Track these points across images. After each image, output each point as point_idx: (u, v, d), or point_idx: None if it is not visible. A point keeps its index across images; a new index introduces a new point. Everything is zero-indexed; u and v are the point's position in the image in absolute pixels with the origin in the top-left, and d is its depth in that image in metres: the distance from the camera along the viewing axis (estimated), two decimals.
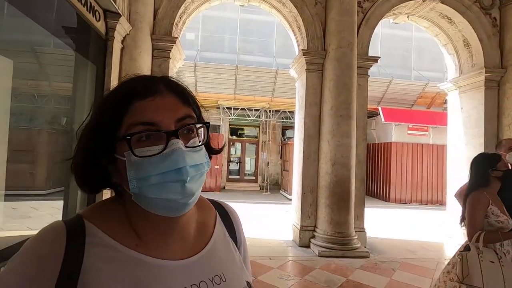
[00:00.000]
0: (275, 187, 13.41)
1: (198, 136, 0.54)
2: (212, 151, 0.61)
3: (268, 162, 12.97)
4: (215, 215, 0.66)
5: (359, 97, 4.76)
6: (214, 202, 0.70)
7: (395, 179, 11.25)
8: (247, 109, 12.59)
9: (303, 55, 4.78)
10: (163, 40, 4.40)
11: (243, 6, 5.74)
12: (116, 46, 3.85)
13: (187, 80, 10.56)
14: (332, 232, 4.36)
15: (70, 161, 0.53)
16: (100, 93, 3.69)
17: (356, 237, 4.46)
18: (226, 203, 0.72)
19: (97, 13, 3.44)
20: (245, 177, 14.24)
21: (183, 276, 0.52)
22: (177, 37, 4.56)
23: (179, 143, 0.48)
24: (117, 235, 0.51)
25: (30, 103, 4.01)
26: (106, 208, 0.55)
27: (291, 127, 14.20)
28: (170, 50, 4.46)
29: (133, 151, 0.47)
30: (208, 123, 0.56)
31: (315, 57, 4.78)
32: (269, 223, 6.51)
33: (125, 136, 0.47)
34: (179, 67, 5.31)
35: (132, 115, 0.48)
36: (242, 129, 14.55)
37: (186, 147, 0.49)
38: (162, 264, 0.51)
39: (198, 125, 0.54)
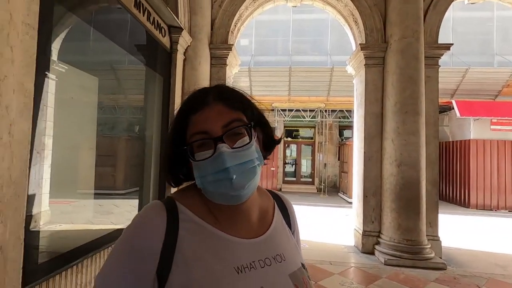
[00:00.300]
0: (333, 189, 12.92)
1: (251, 134, 0.61)
2: (272, 144, 0.70)
3: (325, 164, 12.57)
4: (273, 204, 0.75)
5: (428, 90, 4.30)
6: (272, 193, 0.79)
7: (476, 182, 9.81)
8: (302, 110, 12.42)
9: (361, 50, 4.52)
10: (220, 48, 4.63)
11: (295, 6, 5.70)
12: (179, 57, 4.18)
13: (242, 85, 10.91)
14: (400, 239, 3.99)
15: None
16: (166, 102, 4.05)
17: (429, 246, 4.00)
18: (282, 194, 0.81)
19: (162, 29, 3.80)
20: (302, 179, 14.05)
21: (252, 252, 0.61)
22: (232, 44, 4.74)
23: (223, 147, 0.57)
24: (200, 214, 0.62)
25: (110, 114, 4.62)
26: (188, 193, 0.66)
27: (349, 127, 13.54)
28: (227, 57, 4.66)
29: (194, 156, 0.59)
30: (250, 125, 0.62)
31: (374, 50, 4.47)
32: (328, 227, 6.28)
33: (185, 145, 0.60)
34: (235, 72, 5.52)
35: (191, 127, 0.61)
36: (297, 130, 14.41)
37: (233, 147, 0.58)
38: (235, 241, 0.61)
39: (251, 123, 0.62)
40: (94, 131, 3.42)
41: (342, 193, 11.38)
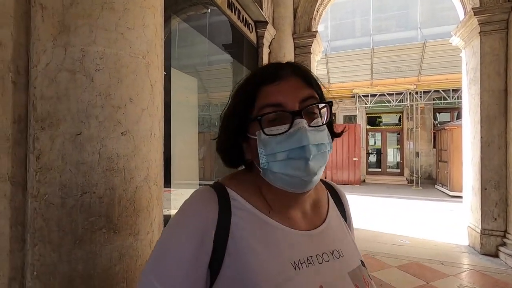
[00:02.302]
0: (428, 181, 11.45)
1: (321, 117, 0.56)
2: (333, 134, 0.62)
3: (417, 153, 11.21)
4: (327, 194, 0.68)
5: None
6: (325, 183, 0.72)
7: None
8: (387, 94, 11.29)
9: (475, 15, 3.78)
10: (303, 36, 4.53)
11: None
12: (265, 51, 4.26)
13: (320, 72, 10.54)
14: None
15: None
16: None
17: None
18: (336, 184, 0.75)
19: (250, 25, 3.92)
20: (388, 170, 12.89)
21: (309, 246, 0.55)
22: (316, 31, 4.59)
23: (303, 122, 0.50)
24: (253, 201, 0.56)
25: (205, 112, 5.06)
26: (239, 179, 0.60)
27: (447, 109, 11.74)
28: (311, 45, 4.54)
29: (264, 130, 0.52)
30: (331, 102, 0.57)
31: (494, 13, 3.69)
32: (429, 222, 5.60)
33: (256, 117, 0.52)
34: (317, 60, 5.34)
35: (261, 98, 0.53)
36: (380, 117, 13.22)
37: (310, 126, 0.51)
38: (291, 232, 0.55)
39: (321, 106, 0.57)
40: (196, 129, 3.78)
41: (440, 185, 9.99)
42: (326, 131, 0.55)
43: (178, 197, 3.68)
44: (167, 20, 2.70)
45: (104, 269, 0.98)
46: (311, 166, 0.50)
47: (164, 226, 0.86)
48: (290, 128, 0.51)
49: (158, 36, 1.27)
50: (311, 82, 0.56)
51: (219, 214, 0.53)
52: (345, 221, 0.68)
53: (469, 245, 4.09)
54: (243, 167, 0.63)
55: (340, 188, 0.74)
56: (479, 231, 3.82)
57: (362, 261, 0.61)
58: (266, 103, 0.53)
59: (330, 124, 0.60)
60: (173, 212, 3.31)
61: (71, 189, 0.94)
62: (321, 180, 0.70)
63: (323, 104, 0.57)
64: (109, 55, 1.01)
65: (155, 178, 1.16)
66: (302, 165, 0.50)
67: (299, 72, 0.56)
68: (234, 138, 0.58)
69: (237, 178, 0.61)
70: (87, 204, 0.95)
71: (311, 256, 0.54)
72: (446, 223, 5.52)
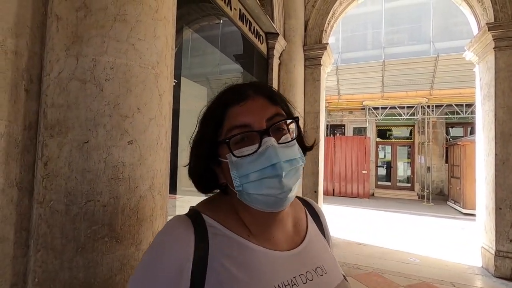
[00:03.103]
0: (440, 197, 11.14)
1: (290, 132, 0.56)
2: (305, 148, 0.61)
3: (428, 167, 10.97)
4: (305, 211, 0.68)
5: None
6: (301, 200, 0.72)
7: None
8: (398, 107, 11.17)
9: (489, 30, 3.73)
10: (314, 48, 4.55)
11: None
12: (275, 62, 4.29)
13: (329, 84, 10.53)
14: None
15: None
16: None
17: None
18: (312, 200, 0.74)
19: (261, 37, 3.97)
20: (398, 184, 12.62)
21: (292, 266, 0.54)
22: (327, 43, 4.61)
23: (271, 140, 0.50)
24: (231, 226, 0.55)
25: None
26: (215, 203, 0.59)
27: (460, 124, 11.52)
28: (321, 57, 4.55)
29: (233, 152, 0.51)
30: (297, 117, 0.57)
31: (509, 28, 3.63)
32: (440, 240, 5.42)
33: (224, 140, 0.52)
34: (327, 72, 5.34)
35: (229, 121, 0.53)
36: (391, 130, 13.04)
37: (279, 143, 0.52)
38: (273, 254, 0.54)
39: (288, 121, 0.57)
40: None
41: (452, 201, 9.70)
42: (296, 146, 0.55)
43: (183, 203, 3.69)
44: (179, 30, 2.76)
45: (105, 278, 0.97)
46: (285, 183, 0.50)
47: None
48: (259, 147, 0.50)
49: (169, 47, 1.30)
50: (275, 100, 0.57)
51: (195, 243, 0.51)
52: (324, 236, 0.68)
53: (482, 267, 3.92)
54: (218, 191, 0.62)
55: (315, 203, 0.74)
56: (493, 253, 3.67)
57: (344, 275, 0.62)
58: (234, 124, 0.53)
59: (301, 138, 0.60)
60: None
61: (76, 196, 0.94)
62: (297, 197, 0.70)
63: (291, 120, 0.57)
64: (119, 65, 1.03)
65: (159, 188, 1.16)
66: (276, 183, 0.49)
67: (263, 91, 0.57)
68: (205, 163, 0.57)
69: (213, 203, 0.60)
70: (91, 212, 0.95)
71: (294, 277, 0.53)
72: (458, 242, 5.33)
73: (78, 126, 0.96)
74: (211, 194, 0.62)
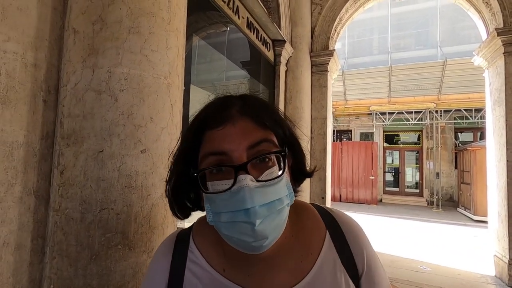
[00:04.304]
0: (449, 203, 10.94)
1: (279, 163, 0.46)
2: (304, 174, 0.53)
3: (437, 173, 10.80)
4: (324, 235, 0.52)
5: None
6: (325, 214, 0.55)
7: None
8: (405, 112, 11.08)
9: (498, 35, 3.70)
10: (320, 55, 4.57)
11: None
12: (282, 69, 4.32)
13: (335, 89, 10.52)
14: None
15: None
16: None
17: None
18: (345, 215, 0.55)
19: (268, 44, 4.00)
20: (406, 190, 12.45)
21: None
22: (334, 50, 4.62)
23: (247, 179, 0.42)
24: (209, 256, 0.51)
25: None
26: (205, 225, 0.51)
27: (469, 129, 11.35)
28: (328, 64, 4.56)
29: (205, 186, 0.45)
30: (284, 152, 0.46)
31: None
32: (451, 248, 5.31)
33: (197, 172, 0.46)
34: (334, 77, 5.35)
35: (205, 145, 0.46)
36: (398, 135, 12.92)
37: (258, 180, 0.43)
38: None
39: (284, 150, 0.47)
40: None
41: (462, 208, 9.51)
42: (283, 182, 0.45)
43: None
44: (188, 39, 2.81)
45: (118, 285, 0.99)
46: (259, 231, 0.42)
47: None
48: (233, 185, 0.42)
49: (180, 57, 1.32)
50: (264, 122, 0.47)
51: (170, 273, 0.51)
52: (354, 271, 0.50)
53: (495, 276, 3.82)
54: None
55: (350, 223, 0.55)
56: (507, 261, 3.57)
57: None
58: (209, 151, 0.46)
59: (299, 164, 0.52)
60: (186, 225, 3.32)
61: (91, 204, 0.96)
62: (320, 209, 0.57)
63: (277, 151, 0.47)
64: (133, 76, 1.06)
65: None
66: (248, 230, 0.42)
67: (249, 111, 0.47)
68: (186, 184, 0.51)
69: (203, 224, 0.54)
70: (105, 220, 0.97)
71: None
72: (470, 249, 5.21)
73: (93, 135, 0.99)
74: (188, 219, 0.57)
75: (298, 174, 0.53)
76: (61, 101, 1.04)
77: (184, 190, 0.51)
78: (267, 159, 0.45)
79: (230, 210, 0.43)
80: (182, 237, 0.55)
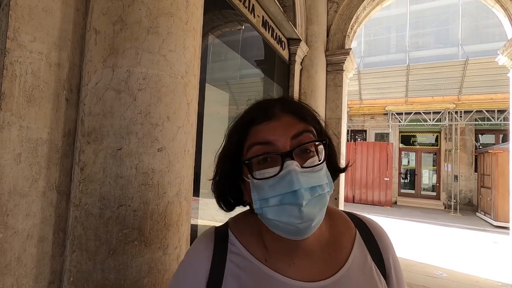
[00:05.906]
0: (468, 207, 10.57)
1: (318, 154, 0.51)
2: (337, 170, 0.57)
3: (456, 176, 10.46)
4: (355, 235, 0.57)
5: None
6: (354, 218, 0.60)
7: None
8: (423, 112, 10.77)
9: None
10: (336, 54, 4.50)
11: None
12: (297, 68, 4.28)
13: (350, 89, 10.35)
14: None
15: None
16: None
17: None
18: (371, 219, 0.61)
19: (283, 43, 3.98)
20: (422, 192, 12.12)
21: None
22: (350, 48, 4.54)
23: (293, 164, 0.46)
24: (250, 247, 0.53)
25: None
26: (245, 219, 0.57)
27: (490, 131, 10.90)
28: (343, 63, 4.49)
29: (253, 174, 0.48)
30: (326, 140, 0.51)
31: None
32: (469, 254, 5.13)
33: (244, 161, 0.49)
34: (350, 77, 5.26)
35: (251, 138, 0.50)
36: (415, 136, 12.58)
37: (303, 167, 0.47)
38: (289, 283, 0.49)
39: (318, 143, 0.52)
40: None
41: (482, 213, 9.17)
42: (323, 171, 0.49)
43: (204, 206, 3.73)
44: (203, 38, 2.84)
45: (134, 280, 1.01)
46: (305, 213, 0.45)
47: (191, 242, 0.88)
48: (280, 171, 0.47)
49: (197, 57, 1.34)
50: (304, 117, 0.52)
51: (212, 263, 0.52)
52: (381, 269, 0.54)
53: None
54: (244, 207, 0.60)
55: (378, 226, 0.60)
56: None
57: None
58: (255, 141, 0.50)
59: (333, 159, 0.55)
60: (199, 222, 3.37)
61: (109, 201, 0.99)
62: (351, 214, 0.61)
63: (319, 142, 0.52)
64: (151, 76, 1.07)
65: (186, 194, 1.19)
66: (295, 212, 0.45)
67: (290, 108, 0.52)
68: (230, 180, 0.55)
69: (242, 218, 0.59)
70: (123, 216, 0.99)
71: None
72: (489, 256, 5.02)
73: (112, 133, 1.01)
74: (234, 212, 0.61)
75: (332, 169, 0.56)
76: (82, 100, 1.07)
77: (229, 184, 0.55)
78: (309, 150, 0.50)
79: (278, 193, 0.46)
80: (220, 231, 0.57)
